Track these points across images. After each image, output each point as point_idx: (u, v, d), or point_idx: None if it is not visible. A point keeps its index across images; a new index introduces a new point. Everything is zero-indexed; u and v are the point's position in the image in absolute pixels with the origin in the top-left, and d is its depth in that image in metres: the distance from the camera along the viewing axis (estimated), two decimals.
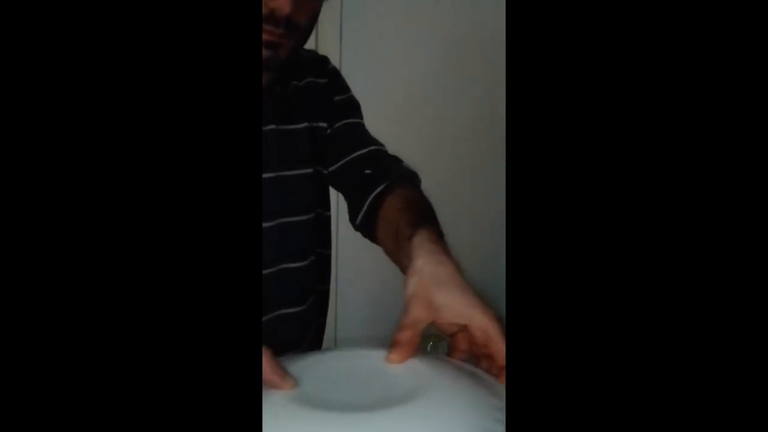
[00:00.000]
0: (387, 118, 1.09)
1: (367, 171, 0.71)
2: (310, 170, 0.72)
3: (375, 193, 0.69)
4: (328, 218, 0.79)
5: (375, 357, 0.47)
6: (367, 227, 0.71)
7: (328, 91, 0.76)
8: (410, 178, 0.71)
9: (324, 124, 0.74)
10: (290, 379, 0.44)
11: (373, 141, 0.77)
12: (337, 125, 0.75)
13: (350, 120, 0.76)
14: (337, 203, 1.15)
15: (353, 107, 0.78)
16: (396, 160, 0.75)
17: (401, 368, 0.46)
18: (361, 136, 0.76)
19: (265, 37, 0.57)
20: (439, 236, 0.57)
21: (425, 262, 0.51)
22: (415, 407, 0.40)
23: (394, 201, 0.66)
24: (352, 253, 1.21)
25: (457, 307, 0.49)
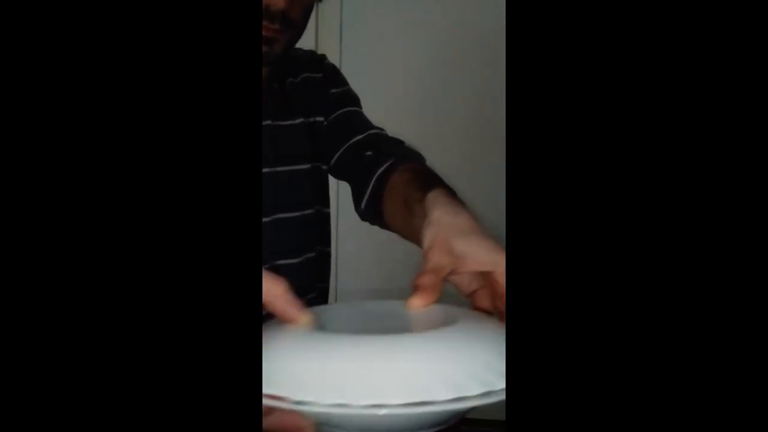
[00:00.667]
0: (386, 118, 1.09)
1: (368, 153, 0.69)
2: (307, 166, 0.72)
3: (379, 172, 0.67)
4: (328, 215, 0.79)
5: (395, 305, 0.44)
6: (372, 209, 0.68)
7: (324, 85, 0.75)
8: (415, 158, 0.69)
9: (321, 119, 0.74)
10: (308, 314, 0.41)
11: (372, 126, 0.75)
12: (333, 116, 0.74)
13: (347, 109, 0.75)
14: (337, 200, 1.14)
15: (350, 98, 0.77)
16: (398, 142, 0.73)
17: (425, 310, 0.42)
18: (358, 122, 0.75)
19: (274, 35, 0.58)
20: (452, 194, 0.54)
21: (442, 212, 0.48)
22: (444, 333, 0.37)
23: (401, 175, 0.63)
24: (352, 252, 1.21)
25: (480, 254, 0.45)
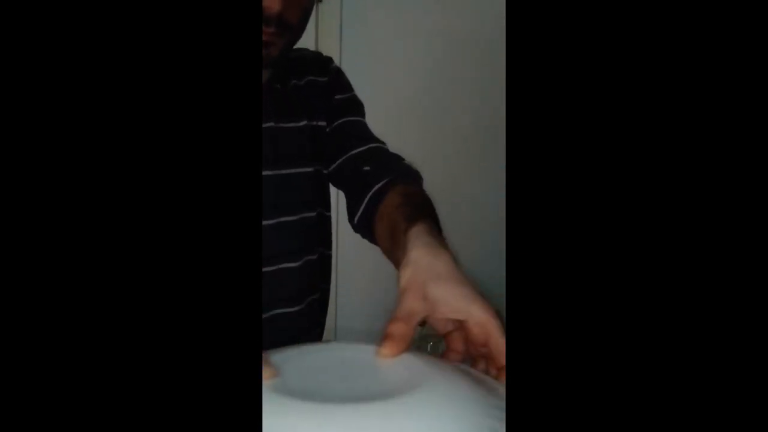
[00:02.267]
0: (387, 118, 1.09)
1: (366, 168, 0.69)
2: (309, 169, 0.72)
3: (373, 190, 0.67)
4: (329, 218, 0.79)
5: (365, 351, 0.42)
6: (364, 225, 0.69)
7: (329, 90, 0.75)
8: (411, 176, 0.69)
9: (323, 123, 0.74)
10: (269, 369, 0.39)
11: (373, 138, 0.75)
12: (335, 123, 0.73)
13: (350, 118, 0.74)
14: (337, 203, 1.15)
15: (355, 106, 0.77)
16: (397, 158, 0.73)
17: (393, 363, 0.41)
18: (360, 133, 0.74)
19: (272, 38, 0.58)
20: (436, 229, 0.53)
21: (421, 254, 0.47)
22: (408, 400, 0.35)
23: (393, 198, 0.63)
24: (352, 253, 1.21)
25: (454, 302, 0.45)
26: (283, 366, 0.39)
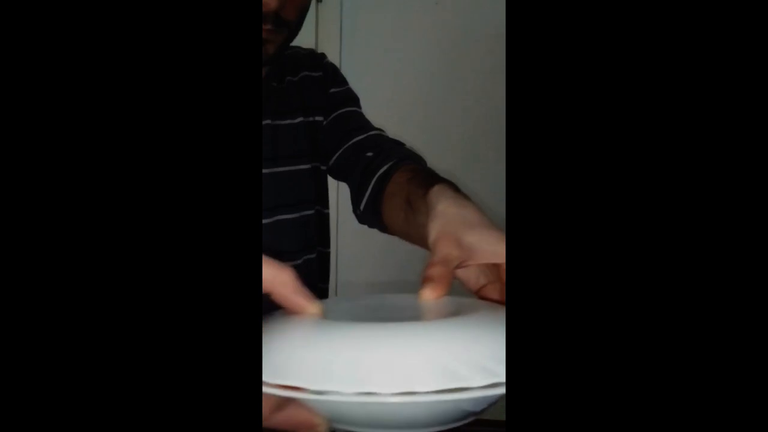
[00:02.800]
0: (386, 118, 1.09)
1: (369, 154, 0.68)
2: (307, 166, 0.72)
3: (380, 172, 0.65)
4: (327, 216, 0.79)
5: (400, 298, 0.42)
6: (371, 210, 0.67)
7: (324, 84, 0.75)
8: (416, 159, 0.68)
9: (321, 118, 0.73)
10: (317, 304, 0.38)
11: (373, 127, 0.74)
12: (333, 115, 0.73)
13: (347, 108, 0.74)
14: (337, 201, 1.14)
15: (350, 98, 0.76)
16: (398, 143, 0.72)
17: (437, 302, 0.40)
18: (358, 122, 0.73)
19: (270, 35, 0.58)
20: (456, 188, 0.52)
21: (448, 204, 0.46)
22: (466, 319, 0.35)
23: (401, 176, 0.62)
24: (351, 252, 1.21)
25: (489, 246, 0.43)
26: (328, 307, 0.38)
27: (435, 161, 1.49)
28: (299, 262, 0.70)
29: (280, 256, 0.63)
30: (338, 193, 1.45)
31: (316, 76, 0.75)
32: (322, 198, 0.75)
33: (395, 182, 0.63)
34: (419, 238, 0.50)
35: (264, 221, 0.66)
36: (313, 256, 0.73)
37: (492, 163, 1.42)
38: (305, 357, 0.32)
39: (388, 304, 0.41)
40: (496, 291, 0.45)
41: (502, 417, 0.42)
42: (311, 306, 0.38)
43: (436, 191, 0.49)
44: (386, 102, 1.18)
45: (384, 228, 0.67)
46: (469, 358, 0.31)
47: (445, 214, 0.46)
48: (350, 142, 0.71)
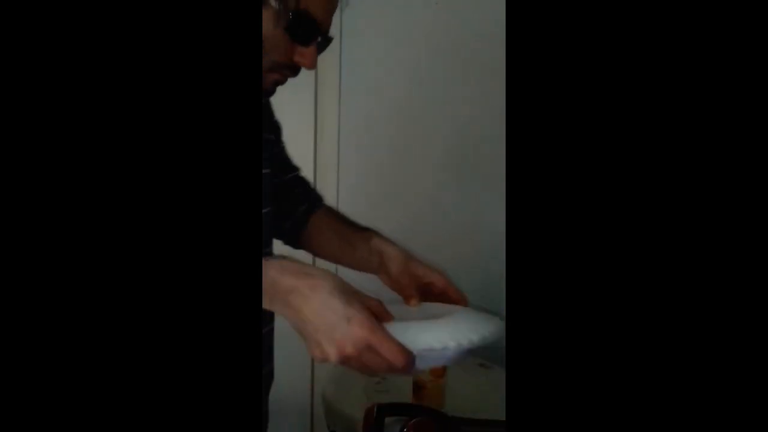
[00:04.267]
0: (386, 118, 1.09)
1: (296, 191, 0.86)
2: (267, 170, 0.77)
3: (301, 209, 0.85)
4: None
5: (403, 306, 0.70)
6: (294, 235, 0.85)
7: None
8: (320, 199, 0.87)
9: (273, 136, 0.82)
10: (389, 314, 0.56)
11: (294, 167, 0.88)
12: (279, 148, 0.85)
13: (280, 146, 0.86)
14: (337, 200, 1.15)
15: (277, 130, 0.85)
16: (308, 183, 0.89)
17: (427, 306, 0.70)
18: (286, 162, 0.87)
19: (277, 77, 0.64)
20: (381, 234, 0.78)
21: (395, 250, 0.74)
22: (458, 314, 0.63)
23: (324, 215, 0.84)
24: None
25: (426, 273, 0.72)
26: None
27: (435, 160, 1.49)
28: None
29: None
30: (338, 192, 1.45)
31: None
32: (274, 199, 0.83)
33: (321, 219, 0.83)
34: (356, 265, 0.77)
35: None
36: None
37: (491, 163, 1.42)
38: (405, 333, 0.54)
39: (404, 310, 0.68)
40: (440, 298, 0.72)
41: (503, 417, 0.42)
42: (388, 315, 0.55)
43: (380, 240, 0.75)
44: (386, 101, 1.18)
45: (312, 252, 0.86)
46: (457, 331, 0.57)
47: (396, 257, 0.73)
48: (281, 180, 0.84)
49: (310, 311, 0.47)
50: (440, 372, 1.05)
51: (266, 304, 0.47)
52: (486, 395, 1.14)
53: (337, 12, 1.46)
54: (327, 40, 0.66)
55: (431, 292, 0.72)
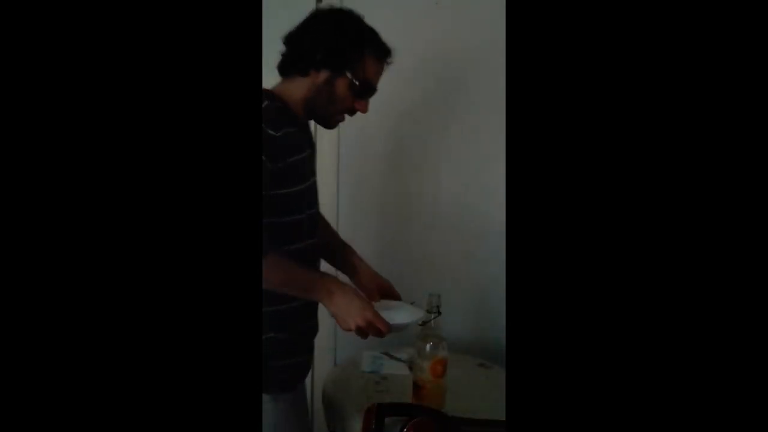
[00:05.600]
0: (386, 119, 1.09)
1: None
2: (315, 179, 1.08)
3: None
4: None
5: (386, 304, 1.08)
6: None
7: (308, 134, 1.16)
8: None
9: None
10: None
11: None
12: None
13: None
14: (337, 201, 1.15)
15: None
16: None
17: (385, 302, 1.07)
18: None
19: (341, 117, 1.00)
20: (353, 250, 1.13)
21: (363, 264, 1.10)
22: (400, 308, 1.05)
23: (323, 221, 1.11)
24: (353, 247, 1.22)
25: (381, 282, 1.09)
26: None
27: (435, 160, 1.48)
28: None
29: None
30: (338, 193, 1.45)
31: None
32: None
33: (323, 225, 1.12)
34: (333, 262, 1.14)
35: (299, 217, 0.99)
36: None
37: (491, 163, 1.42)
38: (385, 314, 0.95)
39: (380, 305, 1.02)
40: (387, 297, 1.10)
41: (503, 417, 0.42)
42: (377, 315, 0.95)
43: (355, 258, 1.11)
44: (386, 101, 1.17)
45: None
46: (408, 314, 1.02)
47: (366, 270, 1.10)
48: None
49: (341, 303, 0.89)
50: (440, 372, 1.05)
51: (315, 297, 0.90)
52: (486, 395, 1.14)
53: None
54: (374, 91, 0.99)
55: (384, 293, 1.09)
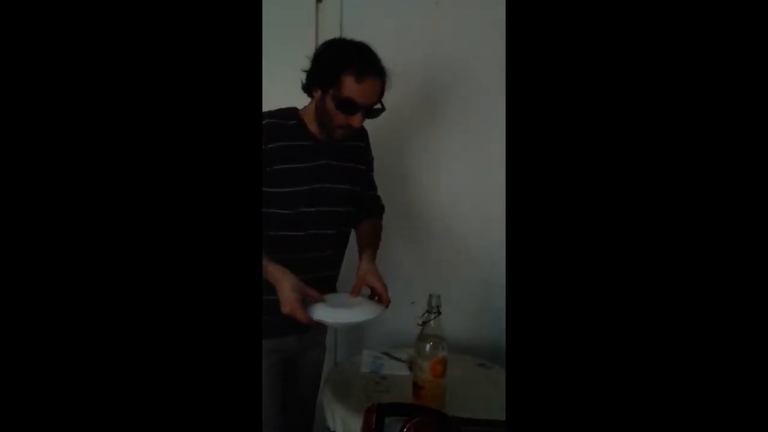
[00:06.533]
0: (385, 119, 1.10)
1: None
2: (358, 188, 1.25)
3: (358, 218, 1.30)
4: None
5: (344, 296, 1.14)
6: (354, 223, 1.30)
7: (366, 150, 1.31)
8: (378, 213, 1.31)
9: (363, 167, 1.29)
10: (320, 296, 1.05)
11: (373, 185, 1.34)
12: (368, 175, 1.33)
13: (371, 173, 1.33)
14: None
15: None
16: (375, 198, 1.33)
17: (351, 297, 1.13)
18: (372, 185, 1.33)
19: (342, 132, 1.09)
20: (374, 255, 1.18)
21: (365, 263, 1.14)
22: (360, 303, 1.10)
23: (368, 223, 1.26)
24: (352, 250, 1.22)
25: (373, 281, 1.11)
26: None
27: (435, 160, 1.48)
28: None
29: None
30: None
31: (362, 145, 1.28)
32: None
33: (365, 224, 1.26)
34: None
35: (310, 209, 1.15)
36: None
37: (491, 164, 1.42)
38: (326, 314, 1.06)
39: (343, 298, 1.13)
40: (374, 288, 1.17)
41: (503, 417, 0.42)
42: (318, 297, 1.07)
43: (364, 254, 1.17)
44: (386, 101, 1.18)
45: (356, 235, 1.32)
46: (367, 310, 1.08)
47: (363, 266, 1.14)
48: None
49: (280, 289, 1.03)
50: (440, 372, 1.05)
51: (270, 282, 1.02)
52: (486, 395, 1.14)
53: (337, 12, 1.46)
54: (374, 111, 1.09)
55: (374, 291, 1.14)
